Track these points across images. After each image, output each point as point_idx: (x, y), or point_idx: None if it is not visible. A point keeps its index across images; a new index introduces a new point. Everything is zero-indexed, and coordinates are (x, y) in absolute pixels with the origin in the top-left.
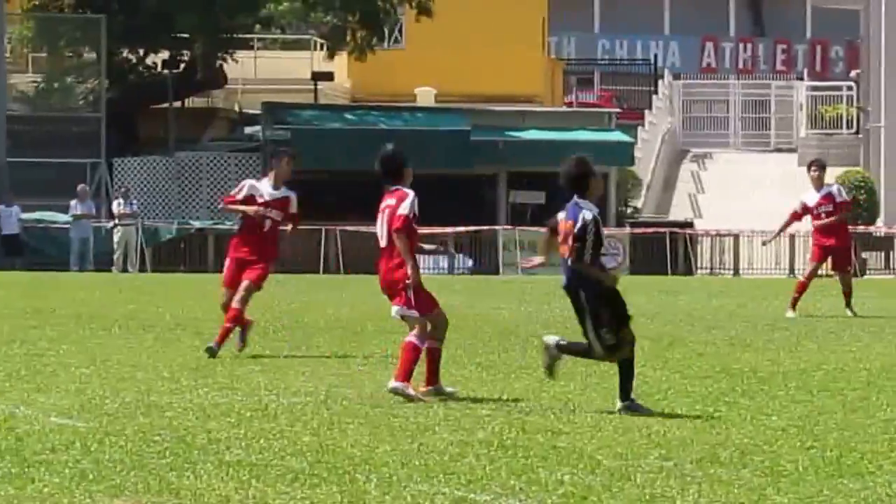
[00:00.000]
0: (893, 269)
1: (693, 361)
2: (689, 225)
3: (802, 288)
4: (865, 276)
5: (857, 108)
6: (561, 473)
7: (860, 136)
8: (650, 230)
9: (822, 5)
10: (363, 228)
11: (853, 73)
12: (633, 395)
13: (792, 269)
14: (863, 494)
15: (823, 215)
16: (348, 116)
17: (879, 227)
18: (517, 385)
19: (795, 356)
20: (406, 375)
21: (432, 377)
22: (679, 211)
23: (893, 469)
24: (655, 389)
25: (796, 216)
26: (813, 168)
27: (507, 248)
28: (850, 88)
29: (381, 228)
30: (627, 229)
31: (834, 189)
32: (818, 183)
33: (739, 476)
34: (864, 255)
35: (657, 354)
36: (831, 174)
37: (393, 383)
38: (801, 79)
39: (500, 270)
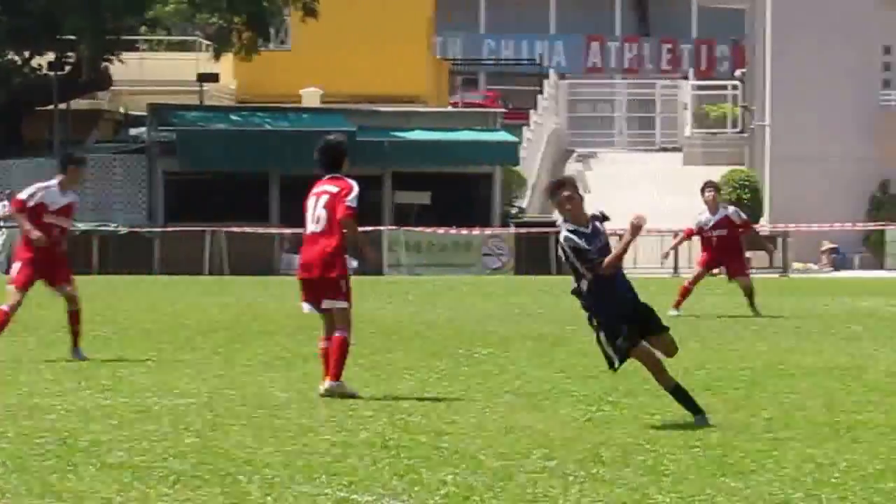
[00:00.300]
0: (777, 267)
1: (577, 361)
2: None
3: (686, 292)
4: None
5: (742, 107)
6: (443, 474)
7: (745, 135)
8: (535, 230)
9: (707, 5)
10: (248, 229)
11: (738, 72)
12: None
13: (676, 268)
14: (745, 493)
15: (715, 239)
16: (234, 118)
17: (764, 226)
18: (400, 386)
19: (679, 355)
20: (340, 372)
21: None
22: None
23: (775, 468)
24: (538, 389)
25: (690, 234)
26: (707, 190)
27: (392, 249)
28: (735, 87)
29: (313, 212)
30: (512, 229)
31: (731, 212)
32: (713, 205)
33: (622, 475)
34: (747, 254)
35: (541, 354)
36: (716, 172)
37: (328, 383)
38: (687, 78)
39: (384, 271)
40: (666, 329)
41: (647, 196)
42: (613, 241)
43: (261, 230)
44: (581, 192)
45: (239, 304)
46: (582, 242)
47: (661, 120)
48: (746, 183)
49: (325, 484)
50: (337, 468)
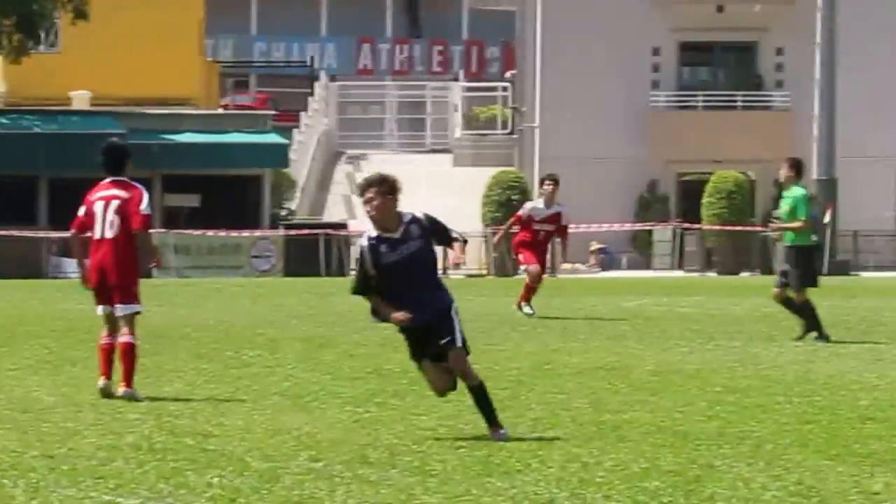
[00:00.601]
0: (550, 268)
1: (344, 363)
2: (343, 226)
3: (531, 290)
4: (517, 276)
5: (512, 108)
6: (210, 476)
7: (515, 136)
8: (304, 232)
9: (478, 7)
10: (16, 232)
11: (508, 74)
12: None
13: (444, 269)
14: (510, 493)
15: (542, 234)
16: (2, 120)
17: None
18: (168, 388)
19: None
20: (132, 379)
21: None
22: (334, 212)
23: (541, 467)
24: (306, 391)
25: (518, 220)
26: (547, 182)
27: (161, 252)
28: (505, 89)
29: (103, 217)
30: (282, 231)
31: (564, 210)
32: (551, 198)
33: (388, 476)
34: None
35: (309, 356)
36: (485, 174)
37: (122, 390)
38: (457, 79)
39: (153, 273)
40: (453, 347)
41: (418, 197)
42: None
43: (28, 233)
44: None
45: (6, 306)
46: (369, 257)
47: (432, 121)
48: (516, 184)
49: (90, 487)
50: (103, 471)
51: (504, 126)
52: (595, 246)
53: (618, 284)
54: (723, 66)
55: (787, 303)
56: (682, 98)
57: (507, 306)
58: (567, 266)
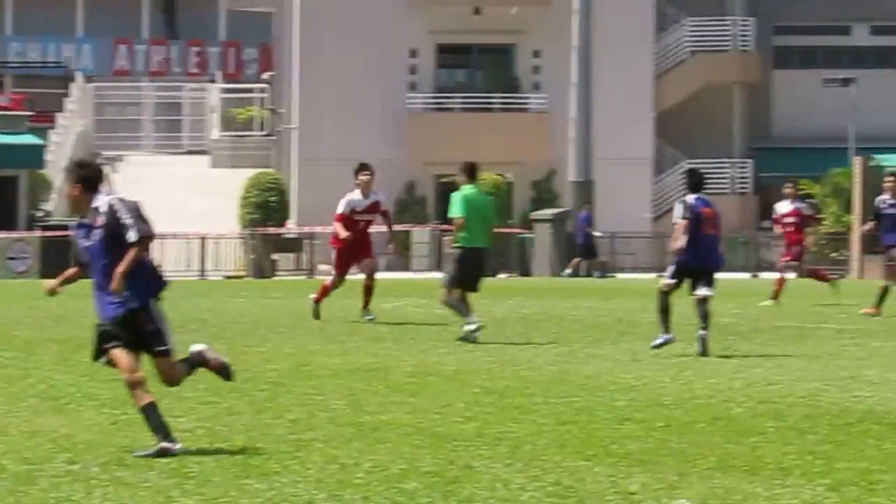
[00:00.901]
0: (304, 269)
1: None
2: None
3: (369, 290)
4: (276, 277)
5: (270, 109)
6: None
7: (273, 137)
8: (61, 233)
9: (235, 8)
10: None
11: (266, 75)
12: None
13: (203, 271)
14: (268, 495)
15: (362, 224)
16: None
17: (291, 229)
18: None
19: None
20: None
21: None
22: None
23: (300, 469)
24: (62, 393)
25: (341, 218)
26: (363, 173)
27: None
28: (262, 91)
29: None
30: (38, 233)
31: (382, 199)
32: (368, 187)
33: (146, 478)
34: (273, 256)
35: (65, 358)
36: (243, 175)
37: None
38: (214, 81)
39: None
40: (164, 353)
41: (175, 199)
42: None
43: None
44: (83, 179)
45: None
46: (80, 237)
47: (189, 123)
48: (273, 186)
49: None
50: None
51: (262, 128)
52: None
53: (377, 286)
54: (480, 69)
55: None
56: (439, 100)
57: (266, 308)
58: (325, 267)
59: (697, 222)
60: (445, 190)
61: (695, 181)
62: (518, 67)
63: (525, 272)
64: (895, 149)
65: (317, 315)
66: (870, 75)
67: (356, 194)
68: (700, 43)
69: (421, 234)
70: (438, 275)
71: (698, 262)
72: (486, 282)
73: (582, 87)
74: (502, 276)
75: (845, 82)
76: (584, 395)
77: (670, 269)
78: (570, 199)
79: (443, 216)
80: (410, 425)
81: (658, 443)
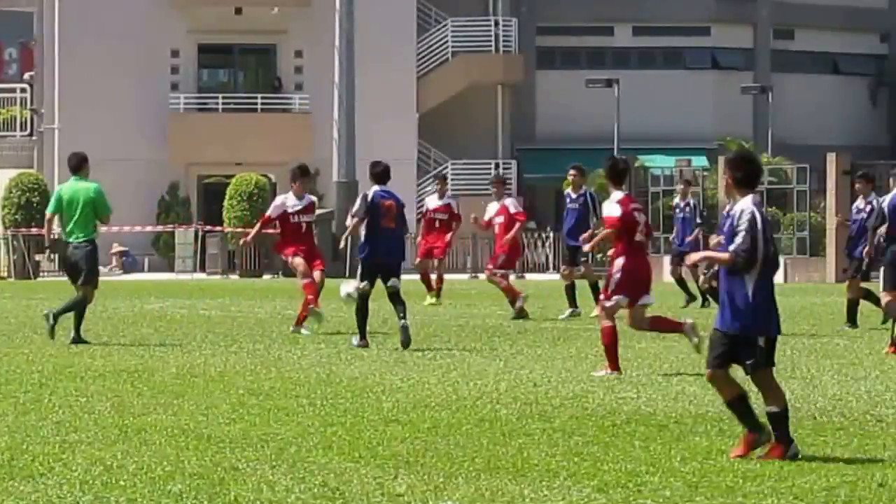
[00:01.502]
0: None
1: None
2: None
3: (312, 289)
4: (39, 279)
5: (31, 109)
6: None
7: (34, 137)
8: None
9: None
10: None
11: (27, 75)
12: None
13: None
14: (33, 497)
15: (304, 226)
16: None
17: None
18: None
19: None
20: None
21: None
22: None
23: (64, 471)
24: None
25: (270, 220)
26: (302, 178)
27: None
28: (24, 90)
29: None
30: None
31: (315, 200)
32: (301, 190)
33: None
34: (36, 257)
35: None
36: (4, 176)
37: None
38: None
39: None
40: None
41: None
42: None
43: None
44: None
45: None
46: None
47: None
48: (35, 186)
49: None
50: None
51: (23, 128)
52: (116, 248)
53: (140, 287)
54: (242, 69)
55: None
56: (201, 100)
57: (29, 309)
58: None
59: (377, 216)
60: (209, 190)
61: (377, 173)
62: (280, 67)
63: (289, 273)
64: (659, 149)
65: (319, 319)
66: (632, 76)
67: (289, 196)
68: (463, 43)
69: (185, 235)
70: (201, 276)
71: (383, 255)
72: (250, 282)
73: (344, 87)
74: (267, 276)
75: (608, 83)
76: (349, 396)
77: (359, 271)
78: (334, 200)
79: (207, 216)
80: (175, 427)
81: (425, 444)
